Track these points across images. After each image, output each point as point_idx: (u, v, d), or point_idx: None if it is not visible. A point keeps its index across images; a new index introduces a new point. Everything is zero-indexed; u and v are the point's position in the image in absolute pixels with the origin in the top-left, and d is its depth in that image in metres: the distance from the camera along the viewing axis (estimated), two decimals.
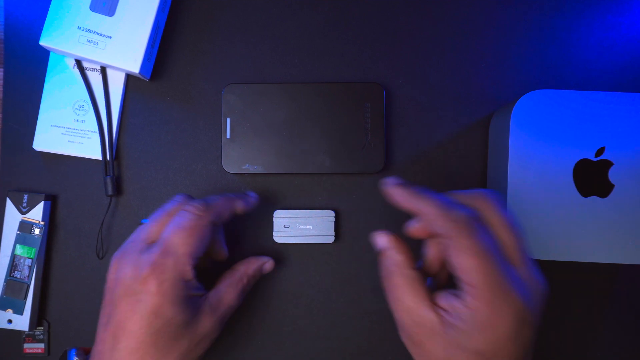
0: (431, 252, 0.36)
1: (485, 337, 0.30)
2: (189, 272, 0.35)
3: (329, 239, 0.44)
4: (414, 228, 0.35)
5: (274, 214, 0.45)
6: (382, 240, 0.35)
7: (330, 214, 0.44)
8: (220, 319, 0.37)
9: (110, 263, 0.37)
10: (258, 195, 0.42)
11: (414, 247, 0.35)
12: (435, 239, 0.35)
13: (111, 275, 0.36)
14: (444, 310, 0.32)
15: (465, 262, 0.30)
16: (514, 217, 0.33)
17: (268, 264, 0.42)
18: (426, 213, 0.33)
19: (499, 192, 0.33)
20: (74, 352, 0.37)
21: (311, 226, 0.44)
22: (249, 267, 0.41)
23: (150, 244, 0.36)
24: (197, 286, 0.37)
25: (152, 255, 0.35)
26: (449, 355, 0.31)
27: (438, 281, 0.37)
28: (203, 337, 0.36)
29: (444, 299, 0.32)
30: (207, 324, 0.36)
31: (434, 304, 0.32)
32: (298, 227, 0.44)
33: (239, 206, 0.40)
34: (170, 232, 0.36)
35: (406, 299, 0.33)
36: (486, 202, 0.33)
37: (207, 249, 0.37)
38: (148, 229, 0.37)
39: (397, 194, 0.35)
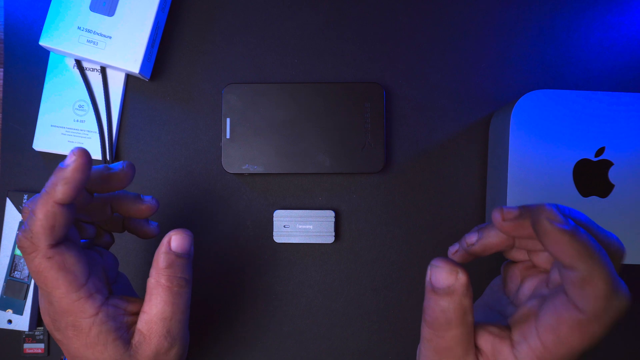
0: (514, 274, 0.31)
1: None
2: (84, 310, 0.30)
3: (329, 239, 0.44)
4: (513, 224, 0.27)
5: (274, 214, 0.45)
6: (447, 278, 0.27)
7: (330, 214, 0.44)
8: (162, 338, 0.32)
9: None
10: (76, 152, 0.29)
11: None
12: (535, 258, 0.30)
13: None
14: (483, 354, 0.28)
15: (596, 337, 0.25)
16: None
17: (173, 241, 0.33)
18: (590, 279, 0.25)
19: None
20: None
21: (311, 226, 0.44)
22: (157, 263, 0.32)
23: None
24: (111, 315, 0.31)
25: (44, 307, 0.31)
26: None
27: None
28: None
29: (487, 343, 0.28)
30: (147, 351, 0.31)
31: (475, 349, 0.28)
32: (298, 227, 0.44)
33: (60, 192, 0.29)
34: (33, 280, 0.32)
35: (458, 349, 0.27)
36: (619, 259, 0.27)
37: (87, 270, 0.31)
38: None
39: (564, 242, 0.25)
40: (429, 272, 0.28)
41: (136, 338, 0.31)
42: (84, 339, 0.30)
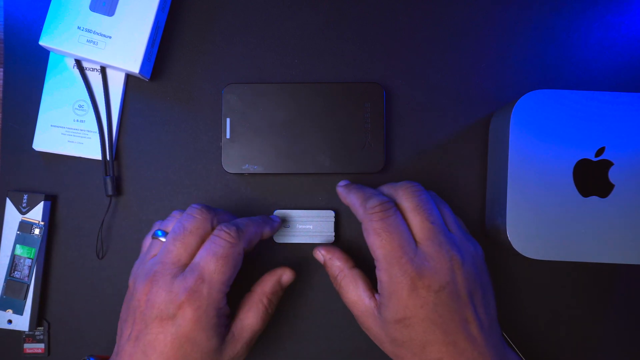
0: None
1: (394, 305, 0.35)
2: (222, 300, 0.36)
3: (329, 239, 0.44)
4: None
5: (274, 214, 0.44)
6: (319, 256, 0.42)
7: (330, 214, 0.44)
8: (244, 345, 0.38)
9: (135, 282, 0.37)
10: (280, 219, 0.43)
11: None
12: None
13: (141, 296, 0.36)
14: (377, 293, 0.38)
15: (371, 241, 0.37)
16: (427, 203, 0.37)
17: (285, 275, 0.41)
18: (353, 204, 0.39)
19: (419, 182, 0.39)
20: None
21: (311, 226, 0.44)
22: (265, 286, 0.40)
23: (181, 268, 0.36)
24: (227, 312, 0.37)
25: (188, 282, 0.35)
26: (386, 333, 0.37)
27: None
28: None
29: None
30: (231, 352, 0.37)
31: (373, 293, 0.38)
32: (298, 227, 0.44)
33: (267, 232, 0.40)
34: (205, 259, 0.36)
35: (350, 294, 0.39)
36: (402, 191, 0.38)
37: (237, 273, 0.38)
38: (175, 251, 0.37)
39: (339, 192, 0.42)
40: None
41: (228, 337, 0.37)
42: (205, 322, 0.35)
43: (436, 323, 0.35)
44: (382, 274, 0.36)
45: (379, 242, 0.36)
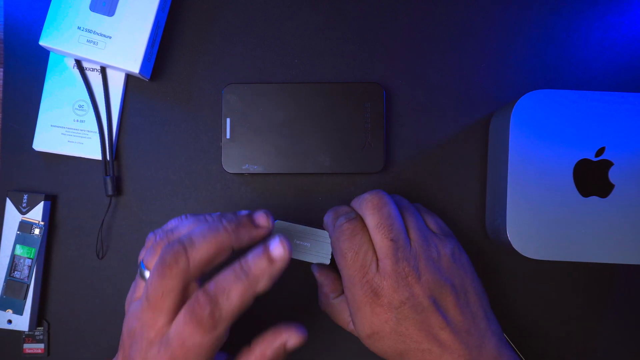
0: None
1: (360, 321, 0.36)
2: (219, 345, 0.31)
3: (325, 260, 0.42)
4: None
5: (275, 225, 0.44)
6: (316, 276, 0.42)
7: (328, 235, 0.41)
8: None
9: (125, 317, 0.34)
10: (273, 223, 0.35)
11: None
12: None
13: (125, 340, 0.33)
14: None
15: (338, 260, 0.38)
16: (389, 218, 0.37)
17: (291, 340, 0.33)
18: (326, 225, 0.40)
19: (381, 191, 0.38)
20: None
21: (309, 244, 0.43)
22: (266, 350, 0.33)
23: (158, 332, 0.31)
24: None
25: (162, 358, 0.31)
26: (368, 347, 0.38)
27: None
28: None
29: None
30: None
31: None
32: (296, 242, 0.43)
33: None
34: (180, 334, 0.31)
35: (336, 320, 0.41)
36: (365, 205, 0.38)
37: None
38: (149, 315, 0.31)
39: (324, 221, 0.41)
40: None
41: None
42: (206, 354, 0.31)
43: (404, 335, 0.36)
44: (347, 292, 0.37)
45: (343, 262, 0.37)
